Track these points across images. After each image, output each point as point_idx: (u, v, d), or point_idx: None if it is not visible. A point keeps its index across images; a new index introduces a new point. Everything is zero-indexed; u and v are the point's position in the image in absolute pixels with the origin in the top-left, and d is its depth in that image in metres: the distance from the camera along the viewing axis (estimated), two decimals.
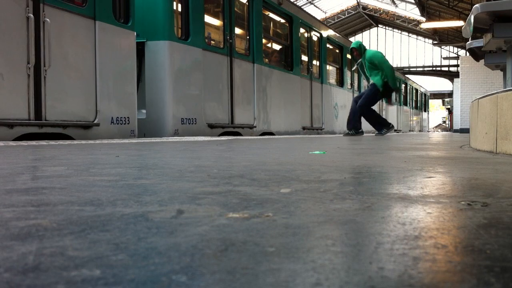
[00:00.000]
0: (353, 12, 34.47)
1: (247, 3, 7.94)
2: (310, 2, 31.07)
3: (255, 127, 8.05)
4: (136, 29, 5.54)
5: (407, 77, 23.16)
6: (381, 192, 1.09)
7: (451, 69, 35.15)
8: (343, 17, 34.33)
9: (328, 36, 11.59)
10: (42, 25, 4.29)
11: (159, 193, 1.05)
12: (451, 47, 34.96)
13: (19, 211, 0.82)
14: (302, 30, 10.14)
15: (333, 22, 33.24)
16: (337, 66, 12.58)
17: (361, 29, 37.39)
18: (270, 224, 0.73)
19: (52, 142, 3.69)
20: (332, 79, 12.33)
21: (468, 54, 10.89)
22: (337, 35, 12.72)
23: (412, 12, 32.66)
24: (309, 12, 11.48)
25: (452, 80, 25.80)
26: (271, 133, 8.70)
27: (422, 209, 0.87)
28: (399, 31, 37.00)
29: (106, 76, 5.05)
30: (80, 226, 0.71)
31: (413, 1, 27.81)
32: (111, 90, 5.14)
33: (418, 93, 26.24)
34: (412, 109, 24.05)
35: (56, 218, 0.77)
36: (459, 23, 21.03)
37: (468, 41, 5.16)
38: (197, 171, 1.54)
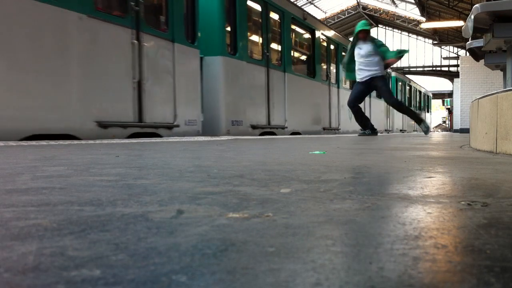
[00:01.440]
0: (353, 12, 34.47)
1: (279, 20, 9.17)
2: (310, 2, 31.07)
3: (286, 127, 9.29)
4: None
5: (411, 80, 23.50)
6: (381, 192, 1.09)
7: (451, 69, 35.16)
8: (343, 17, 34.33)
9: (343, 45, 12.78)
10: (141, 48, 5.49)
11: (159, 193, 1.05)
12: (451, 47, 34.96)
13: (19, 211, 0.82)
14: (322, 41, 11.29)
15: (333, 22, 33.24)
16: None
17: None
18: (270, 224, 0.73)
19: (52, 142, 3.69)
20: (347, 84, 13.36)
21: (468, 54, 10.88)
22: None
23: (412, 12, 32.67)
24: (310, 12, 12.01)
25: (452, 80, 25.82)
26: (298, 133, 9.73)
27: (422, 209, 0.87)
28: (399, 31, 37.00)
29: (181, 86, 6.25)
30: (80, 226, 0.70)
31: (413, 1, 27.82)
32: (184, 97, 6.34)
33: (422, 95, 26.60)
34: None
35: (56, 218, 0.77)
36: (459, 23, 21.05)
37: (468, 41, 5.16)
38: (197, 171, 1.54)
